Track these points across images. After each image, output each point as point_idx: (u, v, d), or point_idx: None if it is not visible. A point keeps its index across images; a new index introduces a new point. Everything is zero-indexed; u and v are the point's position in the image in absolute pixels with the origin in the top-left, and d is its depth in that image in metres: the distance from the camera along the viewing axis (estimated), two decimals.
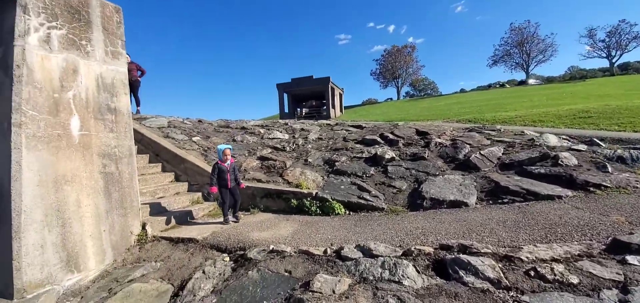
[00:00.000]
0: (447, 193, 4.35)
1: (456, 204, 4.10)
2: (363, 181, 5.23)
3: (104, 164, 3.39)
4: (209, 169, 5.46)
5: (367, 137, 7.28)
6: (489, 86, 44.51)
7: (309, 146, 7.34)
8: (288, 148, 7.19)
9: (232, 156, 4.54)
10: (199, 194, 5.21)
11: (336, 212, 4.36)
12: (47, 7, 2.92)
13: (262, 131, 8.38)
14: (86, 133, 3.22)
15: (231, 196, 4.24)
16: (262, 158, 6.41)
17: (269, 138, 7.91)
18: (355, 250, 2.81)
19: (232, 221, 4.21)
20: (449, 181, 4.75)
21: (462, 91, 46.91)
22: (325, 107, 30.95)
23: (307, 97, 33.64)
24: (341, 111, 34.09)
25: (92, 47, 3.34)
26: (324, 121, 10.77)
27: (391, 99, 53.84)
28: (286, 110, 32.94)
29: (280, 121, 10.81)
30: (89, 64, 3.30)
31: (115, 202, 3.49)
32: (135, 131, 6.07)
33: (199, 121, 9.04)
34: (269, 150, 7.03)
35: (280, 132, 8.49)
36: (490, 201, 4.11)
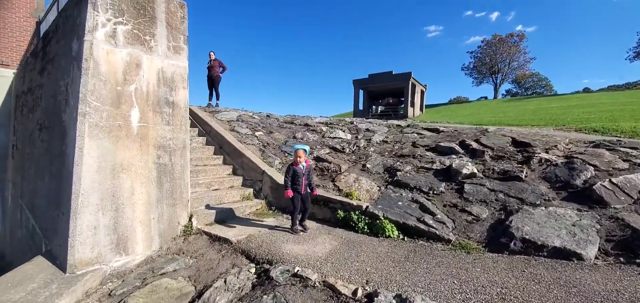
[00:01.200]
0: (550, 234, 3.11)
1: (563, 254, 2.87)
2: (428, 199, 4.30)
3: (159, 155, 3.55)
4: (263, 166, 5.42)
5: (442, 144, 6.12)
6: (626, 86, 33.93)
7: (371, 149, 6.63)
8: (347, 150, 6.66)
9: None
10: (251, 190, 5.21)
11: (387, 234, 3.64)
12: (114, 3, 3.14)
13: (324, 129, 8.06)
14: (144, 124, 3.41)
15: (302, 203, 3.80)
16: (318, 159, 6.06)
17: (330, 137, 7.52)
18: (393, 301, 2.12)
19: (301, 231, 3.78)
20: (556, 216, 3.42)
21: (587, 90, 37.24)
22: (403, 105, 28.96)
23: (384, 94, 32.12)
24: (422, 110, 31.40)
25: (155, 43, 3.51)
26: (395, 122, 9.76)
27: (485, 98, 46.67)
28: (361, 107, 32.24)
29: (346, 119, 10.34)
30: (152, 59, 3.48)
31: (166, 192, 3.64)
32: (205, 123, 6.55)
33: (267, 115, 9.34)
34: (327, 150, 6.64)
35: (343, 131, 8.00)
36: (622, 259, 2.73)
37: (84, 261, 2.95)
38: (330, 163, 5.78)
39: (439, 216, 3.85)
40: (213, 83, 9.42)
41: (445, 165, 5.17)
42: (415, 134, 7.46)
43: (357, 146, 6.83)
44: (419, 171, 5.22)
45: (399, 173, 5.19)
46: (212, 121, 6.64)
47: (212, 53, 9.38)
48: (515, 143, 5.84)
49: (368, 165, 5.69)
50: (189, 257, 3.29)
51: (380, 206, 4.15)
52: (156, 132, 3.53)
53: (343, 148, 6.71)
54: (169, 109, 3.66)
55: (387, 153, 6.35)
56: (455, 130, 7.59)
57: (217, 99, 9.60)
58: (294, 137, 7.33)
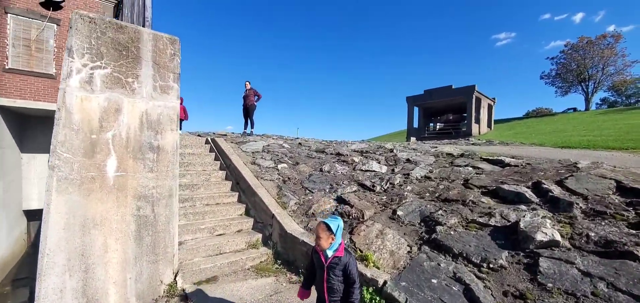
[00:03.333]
0: None
1: None
2: (479, 277, 3.03)
3: (139, 206, 3.20)
4: (274, 207, 4.78)
5: (506, 186, 4.63)
6: None
7: (408, 188, 5.44)
8: (378, 188, 5.60)
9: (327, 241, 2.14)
10: (260, 235, 4.59)
11: None
12: (92, 46, 2.93)
13: (356, 159, 7.12)
14: (122, 174, 3.09)
15: None
16: (340, 200, 5.16)
17: (362, 170, 6.55)
18: None
19: None
20: None
21: None
22: (465, 121, 25.84)
23: (442, 110, 29.29)
24: (489, 126, 27.59)
25: (139, 84, 3.23)
26: (445, 149, 8.23)
27: (575, 109, 38.89)
28: (416, 125, 29.92)
29: (387, 145, 9.16)
30: (134, 102, 3.20)
31: (147, 247, 3.25)
32: (226, 156, 6.28)
33: (299, 143, 8.83)
34: (355, 188, 5.69)
35: (378, 162, 6.93)
36: None
37: None
38: (352, 206, 4.83)
39: None
40: (247, 112, 9.40)
41: (509, 221, 3.77)
42: (470, 168, 5.97)
43: (390, 184, 5.72)
44: (468, 227, 3.91)
45: (439, 227, 3.96)
46: (233, 153, 6.37)
47: (247, 83, 9.43)
48: (621, 189, 4.05)
49: (400, 212, 4.56)
50: None
51: (404, 283, 3.06)
52: (136, 181, 3.18)
53: (373, 186, 5.67)
54: (153, 155, 3.31)
55: (428, 195, 5.10)
56: (528, 163, 5.85)
57: (252, 127, 9.53)
58: (320, 170, 6.58)
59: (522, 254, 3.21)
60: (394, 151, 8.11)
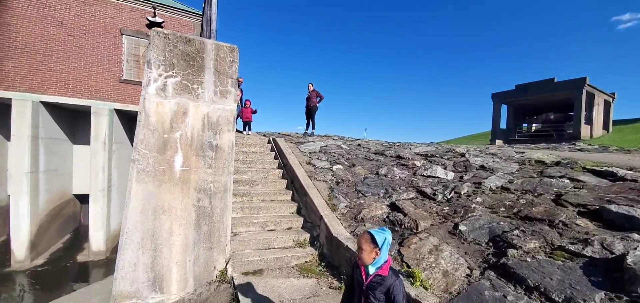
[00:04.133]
0: None
1: None
2: None
3: (198, 198, 3.61)
4: (323, 209, 4.78)
5: (613, 207, 3.56)
6: None
7: (477, 200, 4.71)
8: (440, 197, 5.00)
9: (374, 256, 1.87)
10: (309, 235, 4.65)
11: None
12: (166, 58, 3.44)
13: (418, 164, 6.53)
14: (186, 168, 3.54)
15: None
16: (393, 207, 4.80)
17: (423, 175, 5.97)
18: None
19: None
20: None
21: None
22: (572, 122, 21.19)
23: (540, 108, 24.61)
24: (606, 128, 21.99)
25: (202, 90, 3.65)
26: (535, 155, 6.81)
27: None
28: (504, 126, 25.94)
29: (456, 148, 8.11)
30: (198, 106, 3.62)
31: (204, 235, 3.64)
32: (283, 155, 6.59)
33: (358, 144, 8.63)
34: (412, 195, 5.23)
35: (444, 168, 6.21)
36: None
37: (124, 295, 3.23)
38: (406, 214, 4.43)
39: None
40: (310, 113, 9.68)
41: (612, 252, 2.88)
42: (566, 181, 4.82)
43: (456, 193, 5.05)
44: (553, 255, 3.14)
45: (512, 251, 3.29)
46: (290, 153, 6.64)
47: (310, 85, 9.71)
48: None
49: (463, 226, 3.98)
50: None
51: None
52: (197, 175, 3.60)
53: (434, 193, 5.11)
54: (212, 153, 3.69)
55: (502, 210, 4.32)
56: None
57: (313, 128, 9.77)
58: (377, 173, 6.28)
59: (625, 299, 2.39)
60: (466, 155, 7.16)
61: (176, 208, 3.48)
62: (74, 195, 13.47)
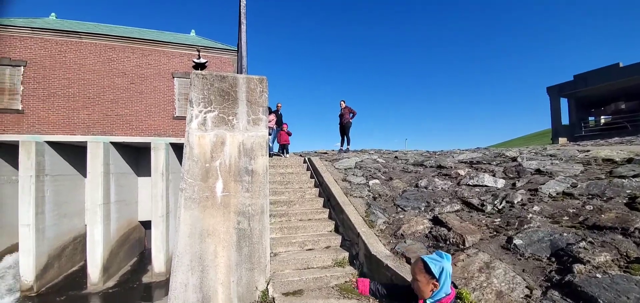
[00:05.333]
0: None
1: None
2: None
3: (239, 220, 3.82)
4: (360, 226, 4.70)
5: None
6: None
7: (535, 208, 4.23)
8: (489, 207, 4.60)
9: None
10: (347, 254, 4.59)
11: None
12: (204, 97, 3.80)
13: (462, 173, 6.11)
14: (227, 194, 3.80)
15: None
16: (436, 221, 4.53)
17: (468, 185, 5.56)
18: None
19: None
20: None
21: None
22: None
23: (606, 98, 21.54)
24: None
25: (237, 120, 3.94)
26: (602, 153, 5.92)
27: None
28: (567, 121, 23.13)
29: (506, 152, 7.39)
30: (234, 135, 3.90)
31: (245, 256, 3.81)
32: (319, 173, 6.67)
33: (395, 157, 8.37)
34: (457, 207, 4.89)
35: (493, 175, 5.72)
36: None
37: None
38: (450, 229, 4.14)
39: None
40: (344, 130, 9.72)
41: None
42: None
43: (507, 202, 4.61)
44: (630, 269, 2.68)
45: (579, 266, 2.88)
46: (325, 171, 6.69)
47: (342, 102, 9.81)
48: None
49: (518, 240, 3.59)
50: None
51: None
52: (237, 200, 3.83)
53: (482, 204, 4.71)
54: (248, 177, 3.90)
55: (565, 219, 3.83)
56: None
57: (348, 144, 9.77)
58: (416, 186, 6.01)
59: None
60: (518, 159, 6.53)
61: (219, 231, 3.72)
62: (139, 221, 15.11)
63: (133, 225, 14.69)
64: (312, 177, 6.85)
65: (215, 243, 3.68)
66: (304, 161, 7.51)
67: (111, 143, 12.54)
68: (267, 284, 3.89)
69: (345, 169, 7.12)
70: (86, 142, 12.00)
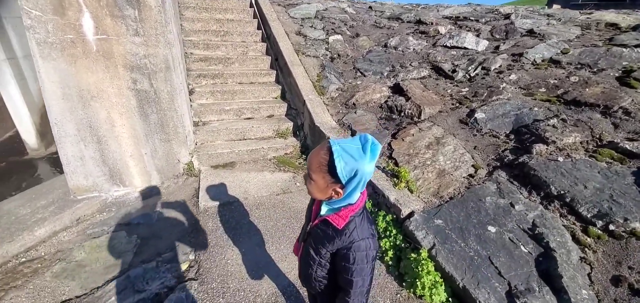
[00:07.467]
0: None
1: None
2: (582, 239, 1.77)
3: (134, 79, 2.85)
4: (308, 92, 3.96)
5: None
6: None
7: (511, 77, 3.57)
8: (460, 74, 3.88)
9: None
10: (292, 124, 3.97)
11: (424, 294, 1.75)
12: None
13: (442, 31, 5.05)
14: (104, 37, 2.65)
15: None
16: (396, 89, 3.82)
17: (446, 46, 4.65)
18: None
19: None
20: None
21: None
22: None
23: None
24: None
25: None
26: (607, 17, 4.98)
27: None
28: None
29: (502, 9, 6.15)
30: None
31: (154, 125, 3.06)
32: (267, 23, 5.31)
33: (370, 7, 6.85)
34: (424, 72, 4.12)
35: (477, 35, 4.78)
36: None
37: (82, 188, 2.98)
38: (409, 98, 3.49)
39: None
40: None
41: None
42: None
43: (483, 69, 3.89)
44: (597, 153, 2.28)
45: (540, 147, 2.45)
46: (275, 20, 5.27)
47: None
48: None
49: (480, 113, 3.05)
50: (162, 208, 2.83)
51: (440, 221, 2.05)
52: (123, 47, 2.73)
53: (454, 70, 3.97)
54: (133, 11, 2.68)
55: (542, 91, 3.26)
56: None
57: None
58: (385, 45, 4.98)
59: None
60: (512, 17, 5.46)
61: (108, 93, 2.79)
62: None
63: None
64: (259, 28, 5.44)
65: (106, 109, 2.82)
66: (251, 5, 5.81)
67: None
68: (191, 156, 3.34)
69: (302, 18, 5.67)
70: None
